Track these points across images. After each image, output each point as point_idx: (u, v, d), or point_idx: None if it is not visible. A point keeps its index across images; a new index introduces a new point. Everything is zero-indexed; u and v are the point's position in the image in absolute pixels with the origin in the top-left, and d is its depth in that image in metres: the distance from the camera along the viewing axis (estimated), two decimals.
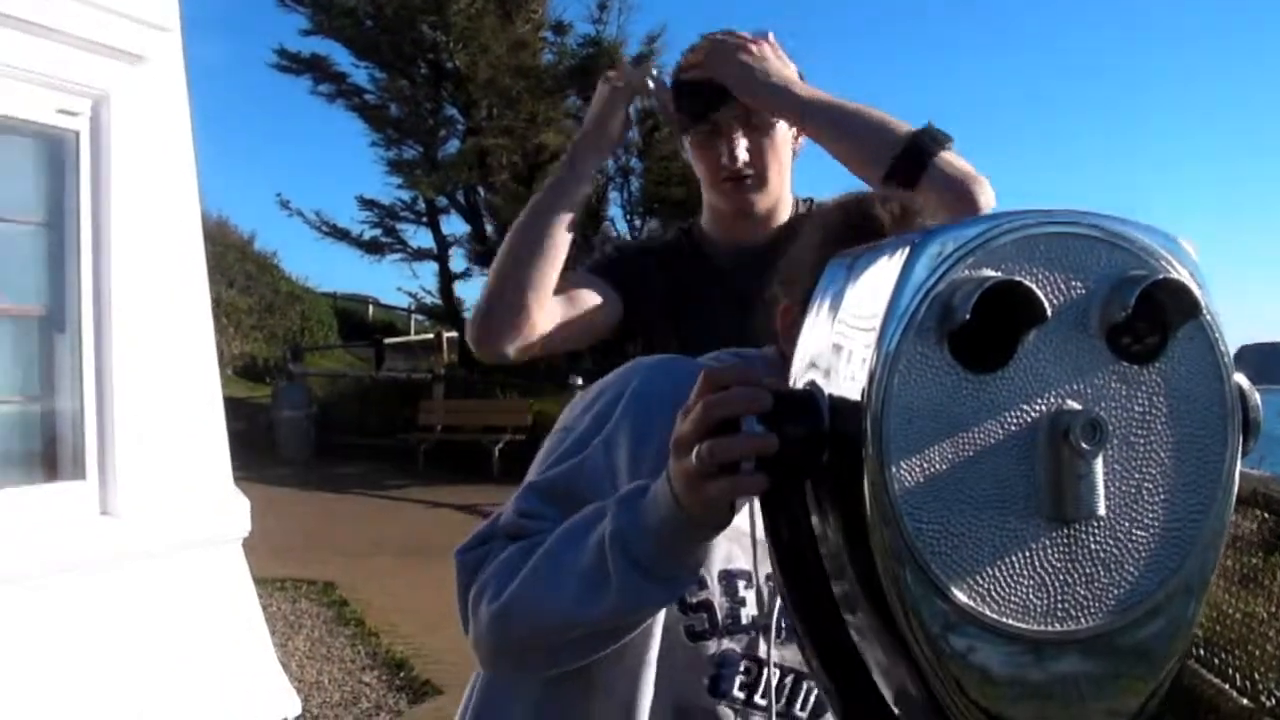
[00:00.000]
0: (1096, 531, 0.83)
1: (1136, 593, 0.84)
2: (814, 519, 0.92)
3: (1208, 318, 0.85)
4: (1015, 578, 0.82)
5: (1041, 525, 0.82)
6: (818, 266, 0.98)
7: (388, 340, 24.12)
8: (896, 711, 0.90)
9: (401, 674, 6.34)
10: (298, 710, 5.51)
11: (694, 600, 1.36)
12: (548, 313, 1.91)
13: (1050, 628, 0.83)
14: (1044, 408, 0.82)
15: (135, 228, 4.80)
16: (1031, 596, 0.82)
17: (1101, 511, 0.82)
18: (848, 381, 0.86)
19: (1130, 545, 0.84)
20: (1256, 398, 0.90)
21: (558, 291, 1.92)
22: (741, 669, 1.38)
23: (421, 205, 21.13)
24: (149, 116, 4.89)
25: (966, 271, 0.82)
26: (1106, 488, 0.82)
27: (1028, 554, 0.82)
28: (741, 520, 1.22)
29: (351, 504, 13.80)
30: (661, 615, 1.32)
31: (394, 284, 51.73)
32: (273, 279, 25.88)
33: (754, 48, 1.93)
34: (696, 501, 1.01)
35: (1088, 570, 0.83)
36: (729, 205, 2.04)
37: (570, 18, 20.48)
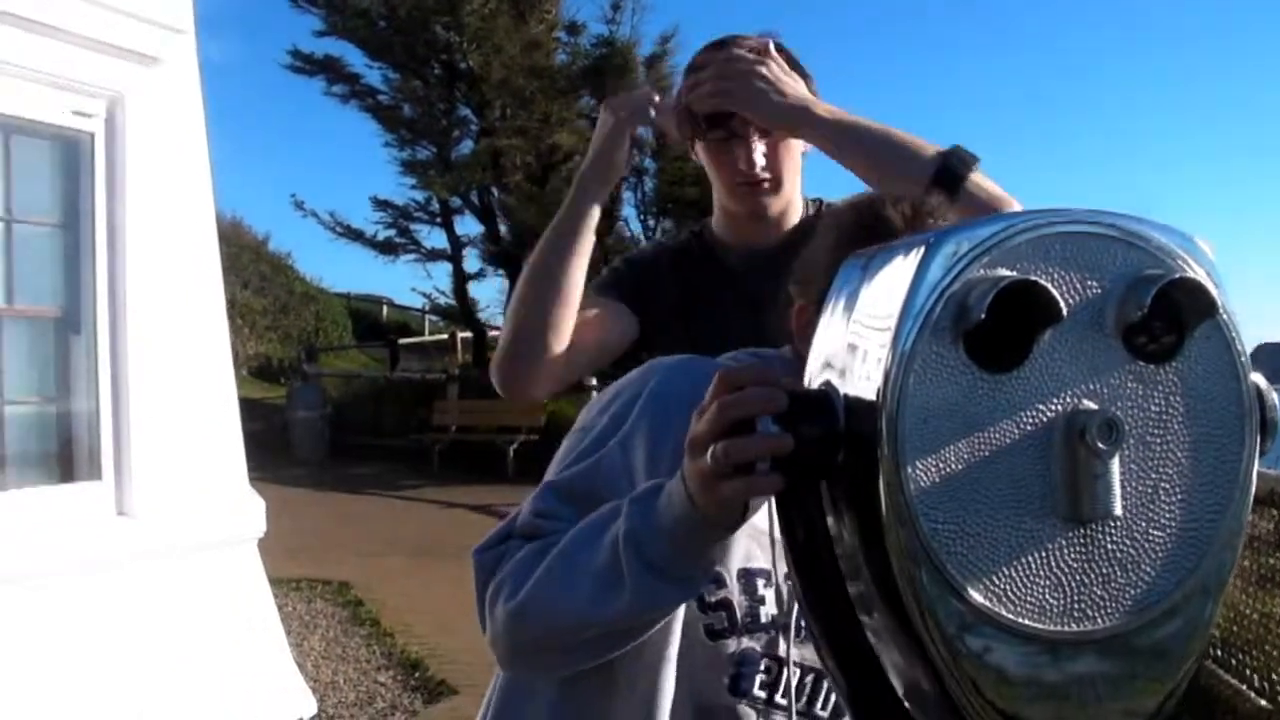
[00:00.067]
0: (1113, 532, 0.83)
1: (1153, 593, 0.84)
2: (829, 519, 0.92)
3: (1224, 317, 0.85)
4: (1031, 578, 0.82)
5: (1058, 525, 0.82)
6: (832, 267, 0.98)
7: (402, 341, 24.14)
8: (912, 712, 0.90)
9: (416, 674, 6.35)
10: (313, 710, 5.52)
11: (713, 599, 1.36)
12: (567, 348, 1.92)
13: (1066, 628, 0.82)
14: (1060, 407, 0.82)
15: (150, 229, 4.81)
16: (1048, 597, 0.82)
17: (1118, 511, 0.82)
18: (863, 381, 0.85)
19: (1147, 545, 0.83)
20: (1274, 397, 0.90)
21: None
22: (762, 668, 1.38)
23: (435, 206, 21.14)
24: (163, 118, 4.91)
25: (982, 271, 0.81)
26: (1123, 488, 0.82)
27: (1044, 554, 0.82)
28: (760, 519, 1.22)
29: (366, 504, 13.83)
30: (681, 612, 1.32)
31: (408, 284, 51.94)
32: (287, 280, 25.93)
33: (764, 69, 1.90)
34: (711, 502, 1.01)
35: (1104, 570, 0.83)
36: (744, 209, 2.03)
37: (584, 18, 20.50)
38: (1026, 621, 0.82)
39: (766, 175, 1.99)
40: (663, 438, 1.27)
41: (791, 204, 2.06)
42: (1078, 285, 0.83)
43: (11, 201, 4.72)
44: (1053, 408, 0.82)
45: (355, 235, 21.19)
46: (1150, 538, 0.83)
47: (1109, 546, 0.83)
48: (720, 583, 1.35)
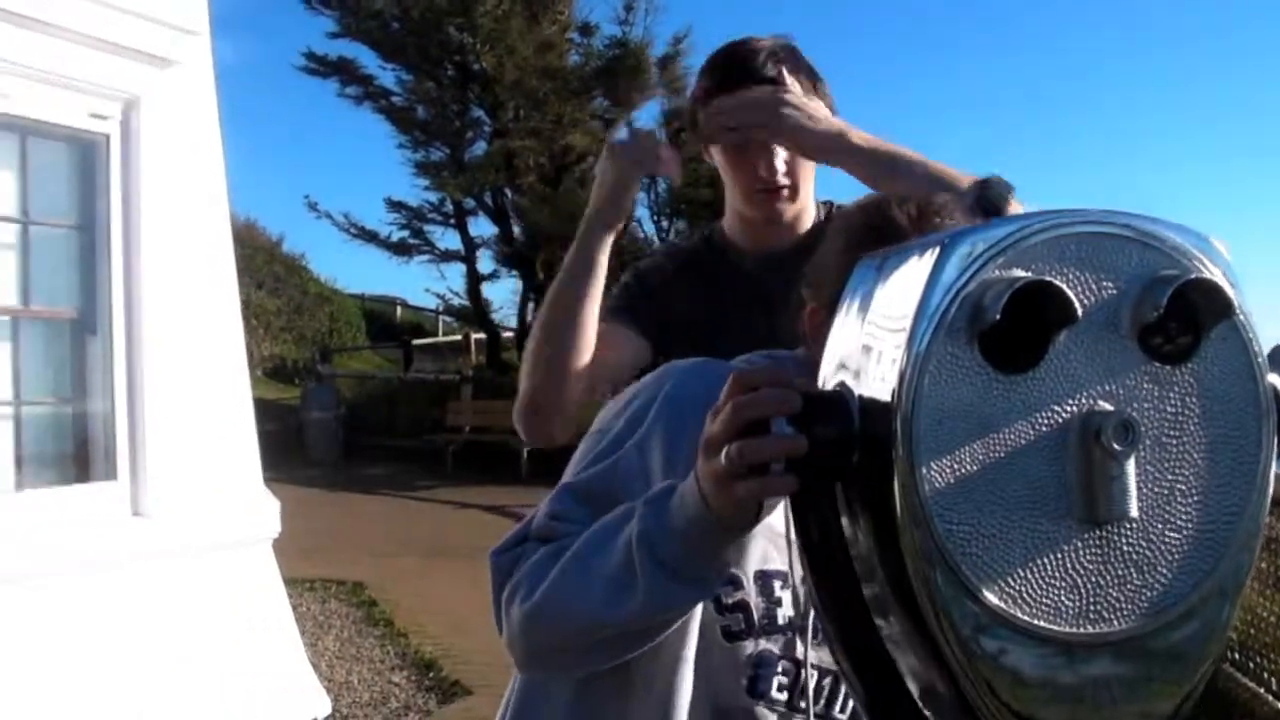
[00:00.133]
0: (1129, 533, 0.82)
1: (1170, 595, 0.83)
2: (844, 521, 0.92)
3: (1241, 318, 0.84)
4: (1047, 579, 0.81)
5: (1073, 527, 0.81)
6: (842, 269, 0.98)
7: (416, 341, 24.20)
8: (927, 713, 0.90)
9: (430, 674, 6.36)
10: (327, 710, 5.54)
11: (730, 601, 1.36)
12: (585, 388, 1.93)
13: (1082, 630, 0.82)
14: (1075, 409, 0.82)
15: (165, 230, 4.83)
16: (1063, 598, 0.82)
17: (1134, 513, 0.81)
18: (878, 382, 0.85)
19: (1163, 547, 0.83)
20: None
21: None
22: (779, 670, 1.38)
23: (449, 207, 21.19)
24: (178, 119, 4.93)
25: (997, 271, 0.81)
26: (1139, 489, 0.81)
27: (1059, 556, 0.81)
28: (777, 520, 1.22)
29: (380, 505, 13.86)
30: (698, 614, 1.32)
31: (422, 285, 51.94)
32: (301, 281, 25.99)
33: (790, 95, 1.89)
34: (726, 503, 1.01)
35: (1120, 572, 0.82)
36: (760, 215, 2.03)
37: (596, 19, 20.55)
38: (1042, 623, 0.81)
39: (786, 182, 1.99)
40: (679, 440, 1.27)
41: (805, 208, 2.06)
42: (1093, 286, 0.82)
43: (28, 203, 4.74)
44: (1068, 409, 0.82)
45: (369, 236, 21.25)
46: (1166, 540, 0.83)
47: (1125, 548, 0.82)
48: (737, 584, 1.35)
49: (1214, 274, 0.83)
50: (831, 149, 1.86)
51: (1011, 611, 0.81)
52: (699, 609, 1.30)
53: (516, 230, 20.65)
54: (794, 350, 1.41)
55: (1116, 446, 0.80)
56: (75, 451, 4.83)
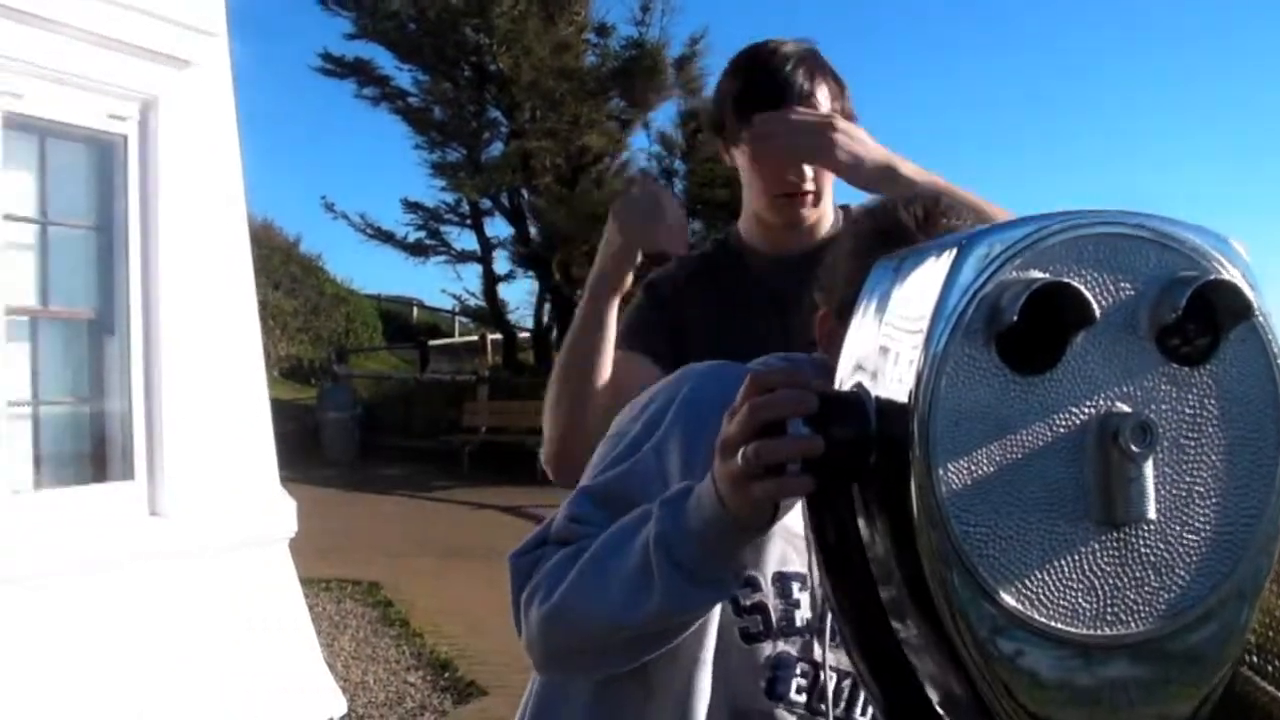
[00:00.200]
0: (1147, 535, 0.82)
1: (1187, 597, 0.83)
2: (860, 522, 0.92)
3: (1260, 319, 0.84)
4: (1064, 581, 0.81)
5: (1091, 529, 0.81)
6: (851, 273, 0.98)
7: (432, 342, 24.25)
8: (944, 716, 0.90)
9: (446, 675, 6.37)
10: (343, 710, 5.55)
11: (748, 603, 1.36)
12: (607, 420, 1.96)
13: (1099, 632, 0.82)
14: (1093, 410, 0.81)
15: (183, 231, 4.85)
16: (1081, 600, 0.81)
17: (1152, 515, 0.81)
18: (895, 383, 0.85)
19: (1181, 549, 0.83)
20: None
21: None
22: (798, 672, 1.38)
23: (465, 208, 21.22)
24: (196, 120, 4.94)
25: (1014, 273, 0.81)
26: (1157, 491, 0.81)
27: (1077, 557, 0.81)
28: (795, 522, 1.22)
29: (396, 505, 13.89)
30: (716, 616, 1.32)
31: (438, 286, 51.98)
32: (318, 281, 26.05)
33: (840, 122, 1.88)
34: (742, 503, 1.01)
35: (1138, 574, 0.82)
36: (783, 219, 2.03)
37: (613, 19, 20.55)
38: (1059, 625, 0.81)
39: (811, 188, 1.98)
40: (697, 443, 1.27)
41: (825, 213, 2.06)
42: (1111, 287, 0.82)
43: (46, 204, 4.77)
44: (1086, 410, 0.81)
45: (386, 237, 21.29)
46: (1184, 542, 0.83)
47: (1143, 550, 0.82)
48: (755, 586, 1.35)
49: (1233, 275, 0.83)
50: (880, 180, 1.86)
51: (1029, 613, 0.81)
52: (717, 611, 1.30)
53: (533, 231, 20.68)
54: (810, 353, 1.41)
55: (1134, 448, 0.80)
56: (93, 451, 4.85)
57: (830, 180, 2.01)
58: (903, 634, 0.90)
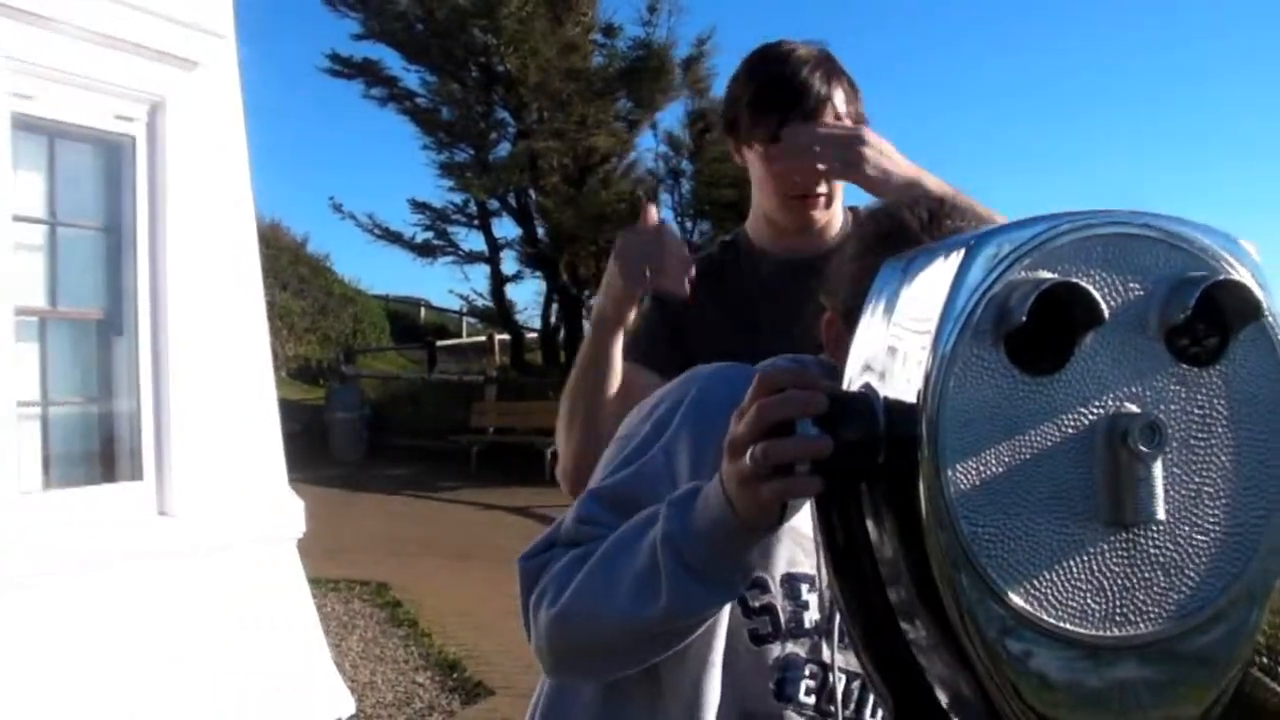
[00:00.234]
0: (1156, 536, 0.82)
1: (1197, 598, 0.83)
2: (869, 523, 0.92)
3: (1269, 319, 0.84)
4: (1073, 582, 0.81)
5: (1100, 529, 0.81)
6: (855, 275, 0.98)
7: (440, 342, 24.28)
8: (953, 717, 0.90)
9: (454, 675, 6.37)
10: (351, 710, 5.55)
11: (757, 604, 1.36)
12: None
13: (1108, 633, 0.82)
14: (1102, 410, 0.81)
15: (191, 231, 4.86)
16: (1089, 601, 0.81)
17: (1161, 516, 0.81)
18: (903, 384, 0.85)
19: (1191, 550, 0.82)
20: None
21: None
22: (807, 673, 1.37)
23: (473, 208, 21.26)
24: (204, 121, 4.95)
25: (1023, 273, 0.81)
26: (1166, 491, 0.81)
27: (1086, 558, 0.81)
28: (803, 523, 1.21)
29: (404, 505, 13.89)
30: (724, 617, 1.32)
31: (446, 286, 52.02)
32: (326, 282, 26.08)
33: (869, 135, 1.89)
34: (750, 504, 1.01)
35: (1147, 575, 0.82)
36: (794, 221, 2.02)
37: (620, 20, 20.57)
38: (1068, 626, 0.81)
39: (824, 190, 1.98)
40: (705, 443, 1.27)
41: (835, 215, 2.05)
42: (1120, 287, 0.82)
43: (55, 205, 4.78)
44: (1095, 411, 0.81)
45: (393, 237, 21.34)
46: (1194, 542, 0.83)
47: (1152, 551, 0.82)
48: (764, 588, 1.35)
49: (1242, 275, 0.83)
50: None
51: (1037, 614, 0.80)
52: (726, 613, 1.30)
53: (540, 231, 20.70)
54: (818, 354, 1.41)
55: (1143, 448, 0.79)
56: (101, 451, 4.86)
57: (842, 183, 2.01)
58: (911, 635, 0.89)
